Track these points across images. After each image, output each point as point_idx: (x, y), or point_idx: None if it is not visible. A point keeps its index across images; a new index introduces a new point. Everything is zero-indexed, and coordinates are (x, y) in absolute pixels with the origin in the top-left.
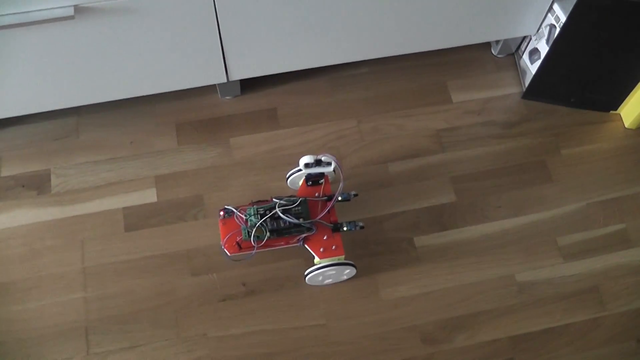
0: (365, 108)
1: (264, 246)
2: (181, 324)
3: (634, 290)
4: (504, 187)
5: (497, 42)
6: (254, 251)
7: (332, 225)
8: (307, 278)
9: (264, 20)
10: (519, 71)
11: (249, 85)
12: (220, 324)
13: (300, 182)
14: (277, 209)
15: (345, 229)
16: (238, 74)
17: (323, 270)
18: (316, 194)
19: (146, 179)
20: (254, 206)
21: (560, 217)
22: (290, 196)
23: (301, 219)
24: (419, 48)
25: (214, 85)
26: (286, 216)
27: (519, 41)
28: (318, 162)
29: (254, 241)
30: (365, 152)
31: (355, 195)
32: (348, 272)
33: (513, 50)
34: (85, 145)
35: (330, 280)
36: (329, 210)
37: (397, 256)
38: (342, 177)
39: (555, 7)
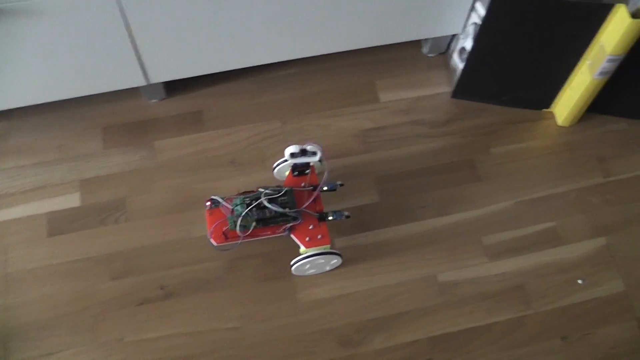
0: (291, 109)
1: (250, 235)
2: (99, 329)
3: (561, 289)
4: (430, 187)
5: (427, 41)
6: (240, 240)
7: (317, 214)
8: (293, 268)
9: (178, 23)
10: (450, 70)
11: (175, 87)
12: (137, 328)
13: (287, 173)
14: (262, 199)
15: (330, 218)
16: (158, 77)
17: (309, 259)
18: (302, 184)
19: (71, 183)
20: (241, 196)
21: (487, 216)
22: (277, 186)
23: (287, 209)
24: (346, 47)
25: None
26: (272, 205)
27: (449, 40)
28: (304, 152)
29: (240, 231)
30: None
31: (341, 185)
32: (334, 262)
33: (443, 49)
34: (14, 149)
35: (314, 270)
36: (315, 200)
37: None
38: (327, 166)
39: (477, 5)
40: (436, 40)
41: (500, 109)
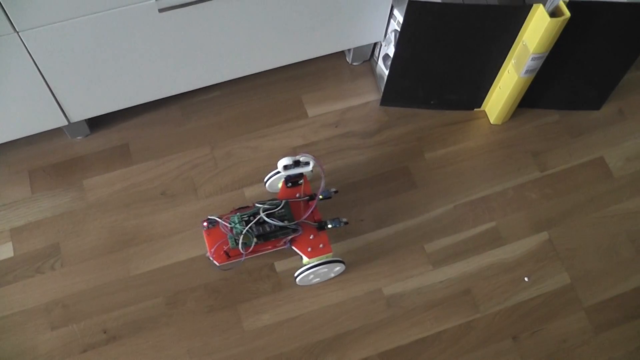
0: (219, 133)
1: (252, 252)
2: None
3: (508, 288)
4: (366, 199)
5: (350, 50)
6: (242, 258)
7: (316, 223)
8: (297, 279)
9: (88, 61)
10: (377, 77)
11: (99, 122)
12: None
13: (280, 185)
14: (261, 214)
15: (330, 226)
16: (78, 115)
17: (313, 269)
18: (297, 195)
19: (1, 233)
20: (238, 213)
21: (427, 223)
22: (272, 199)
23: (286, 221)
24: (269, 65)
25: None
26: (271, 220)
27: (372, 47)
28: (297, 163)
29: (242, 248)
30: (220, 179)
31: (336, 192)
32: (337, 269)
33: (368, 56)
34: None
35: (318, 279)
36: (312, 210)
37: (258, 284)
38: (322, 175)
39: (396, 12)
40: (359, 48)
41: (431, 112)
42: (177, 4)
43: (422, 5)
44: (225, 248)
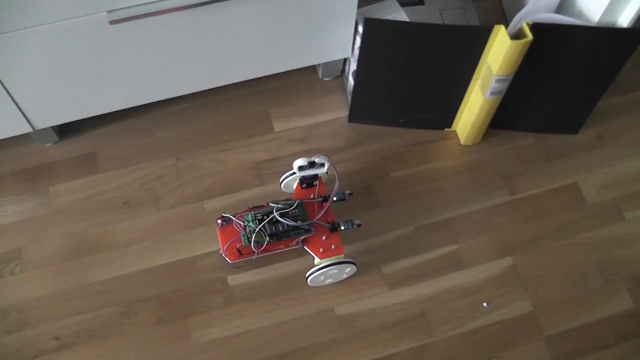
0: (185, 145)
1: (264, 251)
2: None
3: (465, 313)
4: None
5: (320, 65)
6: (254, 256)
7: (329, 225)
8: (308, 279)
9: (50, 68)
10: (347, 94)
11: (69, 129)
12: None
13: (295, 186)
14: (274, 213)
15: (342, 228)
16: (43, 123)
17: (324, 270)
18: (311, 196)
19: None
20: (252, 212)
21: (386, 244)
22: (286, 200)
23: (299, 222)
24: (238, 78)
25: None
26: (284, 220)
27: (343, 63)
28: (312, 164)
29: (254, 246)
30: (182, 191)
31: (350, 194)
32: (349, 270)
33: (339, 72)
34: None
35: (330, 280)
36: (325, 211)
37: (210, 297)
38: (337, 176)
39: (360, 28)
40: (329, 64)
41: (400, 131)
42: (129, 16)
43: (379, 23)
44: (237, 246)
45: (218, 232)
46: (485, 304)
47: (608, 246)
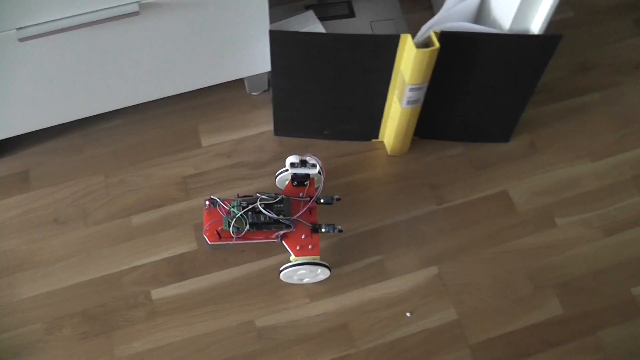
0: (115, 161)
1: (243, 238)
2: None
3: (388, 323)
4: None
5: (247, 79)
6: (232, 241)
7: (311, 225)
8: (281, 274)
9: None
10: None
11: (3, 148)
12: None
13: (287, 182)
14: (257, 203)
15: (323, 230)
16: None
17: (296, 267)
18: (300, 194)
19: None
20: (239, 199)
21: None
22: (275, 194)
23: (281, 216)
24: (161, 94)
25: None
26: (267, 211)
27: (268, 76)
28: (303, 163)
29: (233, 232)
30: (110, 207)
31: (338, 199)
32: (320, 272)
33: (266, 86)
34: None
35: (303, 280)
36: (310, 211)
37: (133, 311)
38: (322, 178)
39: None
40: (254, 78)
41: (328, 143)
42: (38, 33)
43: (285, 36)
44: (218, 229)
45: (204, 213)
46: (408, 314)
47: (538, 253)
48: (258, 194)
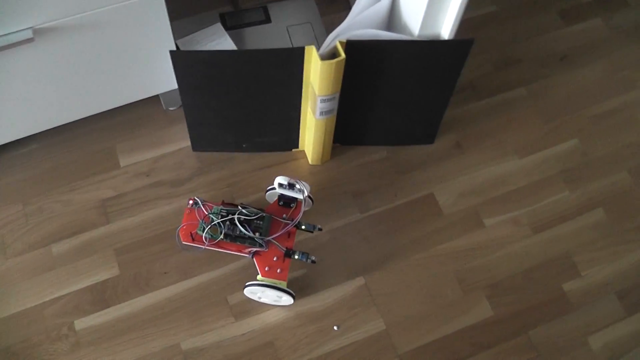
0: (32, 188)
1: (216, 246)
2: None
3: (315, 338)
4: (171, 251)
5: (161, 95)
6: (203, 246)
7: (285, 249)
8: (244, 290)
9: None
10: None
11: None
12: None
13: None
14: (234, 216)
15: (296, 257)
16: None
17: (260, 288)
18: (283, 215)
19: None
20: (221, 206)
21: (232, 273)
22: (258, 209)
23: (257, 234)
24: (75, 115)
25: None
26: (242, 226)
27: None
28: (291, 186)
29: (205, 238)
30: (29, 237)
31: (320, 229)
32: (285, 299)
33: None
34: None
35: (266, 300)
36: (289, 234)
37: (57, 344)
38: (303, 205)
39: None
40: (168, 95)
41: (248, 156)
42: None
43: (185, 55)
44: (193, 231)
45: (185, 211)
46: (336, 327)
47: (467, 255)
48: (240, 207)
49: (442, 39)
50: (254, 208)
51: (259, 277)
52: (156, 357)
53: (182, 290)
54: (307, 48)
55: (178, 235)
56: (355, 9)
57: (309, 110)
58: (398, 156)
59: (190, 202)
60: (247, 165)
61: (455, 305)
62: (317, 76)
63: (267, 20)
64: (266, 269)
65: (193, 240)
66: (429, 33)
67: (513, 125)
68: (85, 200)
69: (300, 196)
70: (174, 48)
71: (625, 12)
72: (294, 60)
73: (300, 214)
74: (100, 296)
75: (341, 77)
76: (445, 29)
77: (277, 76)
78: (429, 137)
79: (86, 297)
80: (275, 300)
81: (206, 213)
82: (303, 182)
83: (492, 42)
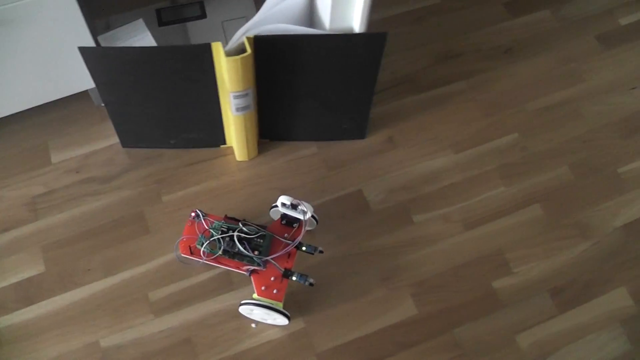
0: None
1: (214, 261)
2: None
3: (233, 336)
4: (97, 248)
5: (91, 91)
6: (201, 261)
7: (283, 270)
8: (239, 308)
9: None
10: None
11: None
12: None
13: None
14: (234, 233)
15: (294, 278)
16: None
17: (255, 307)
18: (285, 235)
19: None
20: (223, 221)
21: (154, 270)
22: (260, 226)
23: (256, 252)
24: (4, 112)
25: None
26: (242, 244)
27: None
28: (294, 207)
29: (203, 253)
30: None
31: (321, 252)
32: (279, 321)
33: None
34: None
35: (261, 319)
36: (289, 255)
37: None
38: (304, 227)
39: None
40: (97, 90)
41: (177, 152)
42: None
43: (95, 51)
44: (191, 245)
45: (187, 223)
46: (254, 325)
47: (393, 252)
48: (241, 224)
49: (353, 32)
50: (256, 226)
51: (255, 295)
52: (76, 355)
53: (104, 287)
54: (213, 44)
55: (177, 247)
56: (267, 3)
57: (227, 106)
58: (328, 152)
59: (193, 213)
60: (175, 162)
61: (378, 303)
62: (226, 72)
63: (203, 15)
64: (263, 288)
65: (191, 253)
66: (340, 27)
67: (450, 120)
68: (15, 197)
69: (300, 216)
70: (92, 44)
71: (574, 3)
72: (203, 56)
73: (301, 236)
74: (25, 294)
75: (251, 73)
76: (356, 23)
77: (190, 73)
78: (359, 132)
79: (10, 295)
80: (272, 322)
81: (206, 227)
82: (306, 203)
83: (434, 35)
